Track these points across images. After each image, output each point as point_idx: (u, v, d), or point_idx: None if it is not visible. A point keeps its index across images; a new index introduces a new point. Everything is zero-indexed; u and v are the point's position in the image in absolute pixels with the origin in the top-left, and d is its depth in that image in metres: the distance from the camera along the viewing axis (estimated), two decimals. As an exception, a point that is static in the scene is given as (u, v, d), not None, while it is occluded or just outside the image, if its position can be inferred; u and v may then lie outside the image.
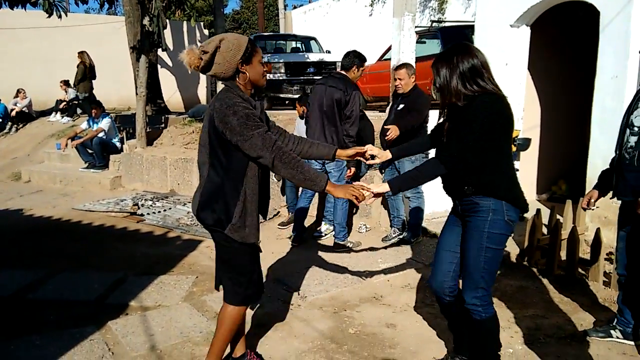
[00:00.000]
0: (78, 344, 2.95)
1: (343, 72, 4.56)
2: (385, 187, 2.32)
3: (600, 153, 4.50)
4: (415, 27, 5.91)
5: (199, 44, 17.25)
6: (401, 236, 4.76)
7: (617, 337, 2.90)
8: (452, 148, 2.23)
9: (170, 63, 14.97)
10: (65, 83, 11.38)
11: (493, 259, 2.28)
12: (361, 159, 2.66)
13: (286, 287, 3.78)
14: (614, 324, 2.96)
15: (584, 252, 4.03)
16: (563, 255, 3.97)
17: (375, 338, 3.02)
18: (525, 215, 5.04)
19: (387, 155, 2.65)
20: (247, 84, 2.33)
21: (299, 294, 3.66)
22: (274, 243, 4.94)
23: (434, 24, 9.55)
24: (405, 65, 4.64)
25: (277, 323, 3.23)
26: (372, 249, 4.65)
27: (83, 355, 2.84)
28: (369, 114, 6.03)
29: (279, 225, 5.39)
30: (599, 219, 4.48)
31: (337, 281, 3.87)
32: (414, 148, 2.82)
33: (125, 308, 3.48)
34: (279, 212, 5.89)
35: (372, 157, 2.64)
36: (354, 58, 4.52)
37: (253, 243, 2.38)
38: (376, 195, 2.36)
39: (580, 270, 3.85)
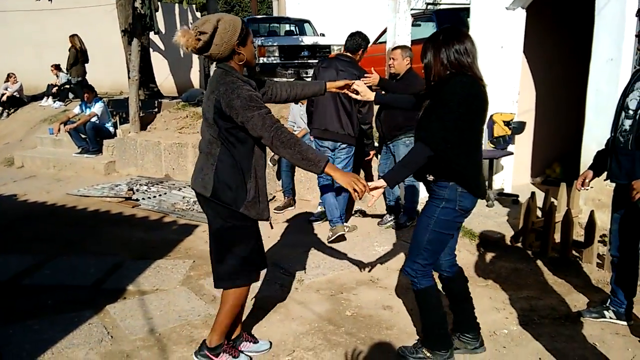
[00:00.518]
0: (76, 328, 2.96)
1: (349, 54, 4.45)
2: (381, 183, 2.35)
3: (595, 136, 4.51)
4: (411, 9, 5.87)
5: (191, 27, 17.01)
6: (397, 220, 4.79)
7: (610, 318, 2.95)
8: (434, 128, 2.26)
9: (162, 46, 14.79)
10: (57, 67, 11.22)
11: (436, 241, 2.41)
12: (347, 92, 2.78)
13: (283, 271, 3.81)
14: (607, 304, 3.00)
15: (578, 234, 4.07)
16: (557, 237, 4.01)
17: (372, 320, 3.05)
18: (520, 198, 5.11)
19: (371, 95, 2.78)
20: (242, 65, 2.36)
21: (296, 278, 3.68)
22: (268, 226, 4.93)
23: (429, 7, 9.49)
24: (401, 47, 4.59)
25: (275, 306, 3.26)
26: (368, 232, 4.68)
27: (82, 338, 2.85)
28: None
29: (274, 209, 5.40)
30: (592, 201, 4.51)
31: (334, 264, 3.90)
32: (399, 101, 2.87)
33: (123, 292, 3.49)
34: (274, 196, 5.89)
35: (356, 92, 2.76)
36: (361, 40, 4.39)
37: (267, 219, 2.46)
38: (374, 191, 2.36)
39: (574, 252, 3.89)
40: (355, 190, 2.22)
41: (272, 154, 5.71)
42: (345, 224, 4.65)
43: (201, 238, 4.65)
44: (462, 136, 2.26)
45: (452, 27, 2.41)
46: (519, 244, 4.19)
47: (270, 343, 2.79)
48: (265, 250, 4.18)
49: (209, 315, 3.13)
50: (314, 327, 2.97)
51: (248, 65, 2.40)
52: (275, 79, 10.02)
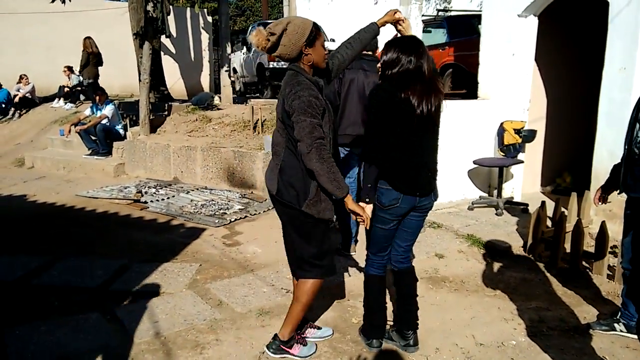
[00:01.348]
0: (82, 329, 2.96)
1: (370, 53, 4.20)
2: (369, 207, 2.52)
3: (607, 146, 4.47)
4: (422, 15, 5.85)
5: (202, 31, 17.06)
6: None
7: (621, 331, 2.90)
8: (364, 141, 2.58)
9: (173, 50, 14.89)
10: (69, 69, 11.33)
11: (374, 234, 2.67)
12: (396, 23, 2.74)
13: (289, 277, 3.78)
14: (617, 317, 2.96)
15: (588, 245, 4.02)
16: (567, 248, 3.96)
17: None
18: (530, 207, 5.06)
19: (410, 31, 2.76)
20: (310, 66, 2.46)
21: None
22: (277, 232, 4.91)
23: (440, 13, 9.47)
24: None
25: (281, 312, 3.24)
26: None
27: (87, 341, 2.85)
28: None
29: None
30: (603, 212, 4.46)
31: (340, 271, 3.87)
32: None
33: (129, 295, 3.49)
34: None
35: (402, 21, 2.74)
36: (376, 40, 4.29)
37: (329, 219, 2.52)
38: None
39: (584, 263, 3.84)
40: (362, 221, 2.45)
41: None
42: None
43: (208, 242, 4.65)
44: (380, 140, 2.46)
45: (412, 40, 2.54)
46: (529, 254, 4.15)
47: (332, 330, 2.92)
48: (272, 256, 4.22)
49: (215, 320, 3.12)
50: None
51: (317, 67, 2.48)
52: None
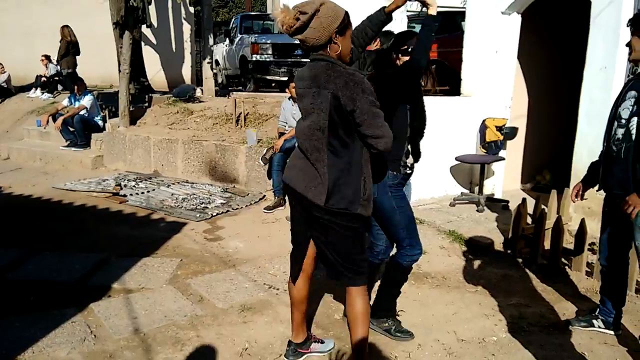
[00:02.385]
0: (59, 326, 2.90)
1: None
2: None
3: (587, 144, 4.53)
4: (406, 11, 5.84)
5: (184, 22, 16.76)
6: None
7: (599, 327, 2.94)
8: None
9: (154, 41, 14.63)
10: (47, 58, 11.06)
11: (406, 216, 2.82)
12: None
13: (272, 272, 3.76)
14: (596, 313, 3.00)
15: (568, 242, 4.07)
16: (547, 244, 4.01)
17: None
18: (510, 204, 5.11)
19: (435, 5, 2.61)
20: (337, 57, 2.18)
21: (284, 279, 3.64)
22: (259, 227, 4.91)
23: (424, 9, 9.47)
24: None
25: (263, 307, 3.22)
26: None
27: (64, 337, 2.79)
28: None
29: (264, 209, 5.35)
30: (582, 209, 4.52)
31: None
32: None
33: (108, 290, 3.43)
34: (264, 195, 5.84)
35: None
36: None
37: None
38: None
39: (563, 260, 3.89)
40: None
41: (263, 152, 5.66)
42: None
43: (189, 236, 4.59)
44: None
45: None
46: (509, 251, 4.18)
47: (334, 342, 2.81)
48: (254, 251, 4.18)
49: (196, 316, 3.08)
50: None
51: (342, 60, 2.21)
52: (268, 77, 9.95)
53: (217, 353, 2.71)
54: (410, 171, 2.76)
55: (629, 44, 2.73)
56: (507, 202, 5.31)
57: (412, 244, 2.77)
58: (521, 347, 2.79)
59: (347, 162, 2.19)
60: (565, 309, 3.23)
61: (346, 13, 2.18)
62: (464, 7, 5.93)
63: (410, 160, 2.74)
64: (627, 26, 2.74)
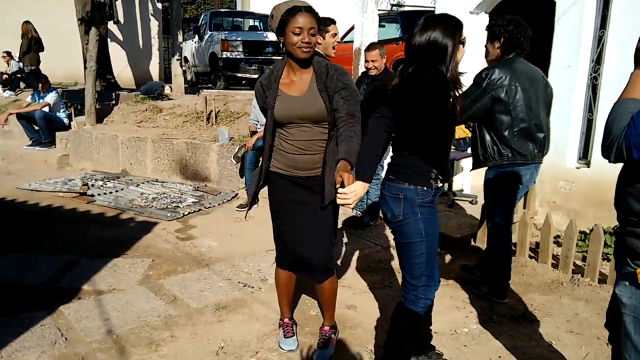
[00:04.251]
0: (28, 329, 2.83)
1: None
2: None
3: (552, 140, 4.66)
4: (377, 10, 5.90)
5: (151, 18, 16.43)
6: (360, 218, 4.80)
7: (485, 292, 3.33)
8: None
9: (120, 37, 14.32)
10: (8, 55, 10.70)
11: None
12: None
13: (246, 270, 3.75)
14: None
15: (534, 235, 4.19)
16: (514, 238, 4.12)
17: (336, 319, 3.04)
18: (478, 199, 5.22)
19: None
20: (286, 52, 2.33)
21: (259, 277, 3.64)
22: (232, 225, 4.88)
23: (394, 8, 9.59)
24: (377, 47, 4.54)
25: (238, 306, 3.21)
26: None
27: (34, 341, 2.72)
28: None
29: (237, 207, 5.32)
30: (548, 203, 4.67)
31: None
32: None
33: (78, 292, 3.36)
34: (237, 194, 5.81)
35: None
36: None
37: None
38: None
39: (530, 252, 4.01)
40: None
41: (235, 150, 5.62)
42: None
43: (160, 236, 4.53)
44: None
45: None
46: (479, 245, 4.28)
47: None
48: (227, 249, 4.16)
49: (169, 316, 3.05)
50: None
51: (291, 57, 2.32)
52: (239, 75, 9.88)
53: (192, 353, 2.69)
54: (441, 185, 2.25)
55: (485, 47, 3.26)
56: (476, 197, 5.42)
57: (429, 283, 2.23)
58: (492, 337, 2.87)
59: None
60: (533, 300, 3.33)
61: (288, 11, 2.21)
62: (434, 7, 6.02)
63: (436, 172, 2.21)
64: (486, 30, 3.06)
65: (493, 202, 3.29)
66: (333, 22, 3.30)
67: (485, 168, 3.29)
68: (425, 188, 2.15)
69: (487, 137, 3.14)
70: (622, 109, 1.45)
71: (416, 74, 2.08)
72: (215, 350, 2.71)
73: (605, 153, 1.49)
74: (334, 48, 3.10)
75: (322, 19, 3.68)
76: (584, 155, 4.51)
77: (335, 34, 3.56)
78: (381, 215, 2.50)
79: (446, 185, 5.55)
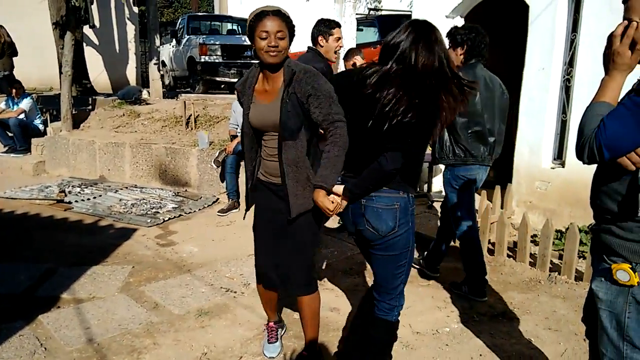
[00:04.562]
0: (6, 340, 2.78)
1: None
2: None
3: (527, 142, 4.77)
4: (355, 14, 5.95)
5: (127, 22, 16.21)
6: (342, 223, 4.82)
7: (465, 292, 3.42)
8: None
9: (96, 41, 14.13)
10: (-21, 60, 10.44)
11: None
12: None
13: (228, 275, 3.74)
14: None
15: (511, 234, 4.28)
16: (492, 237, 4.20)
17: (320, 323, 3.05)
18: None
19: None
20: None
21: (242, 282, 3.63)
22: (213, 230, 4.86)
23: (371, 12, 9.67)
24: (357, 52, 4.56)
25: (220, 312, 3.20)
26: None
27: (12, 352, 2.67)
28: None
29: (218, 212, 5.30)
30: (524, 203, 4.76)
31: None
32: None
33: (57, 301, 3.30)
34: (218, 198, 5.78)
35: None
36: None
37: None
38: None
39: (508, 252, 4.08)
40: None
41: (216, 155, 5.60)
42: None
43: (140, 242, 4.49)
44: None
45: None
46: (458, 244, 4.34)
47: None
48: (209, 255, 4.14)
49: (151, 323, 3.03)
50: (261, 332, 2.93)
51: (260, 62, 2.29)
52: (217, 79, 9.83)
53: (175, 359, 2.68)
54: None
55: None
56: (455, 198, 5.49)
57: (402, 290, 2.25)
58: (473, 336, 2.92)
59: None
60: (512, 298, 3.39)
61: (255, 15, 2.21)
62: (410, 11, 6.10)
63: None
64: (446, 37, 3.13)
65: (455, 204, 3.41)
66: (338, 25, 3.23)
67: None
68: (413, 195, 2.13)
69: (445, 137, 3.27)
70: (593, 112, 1.51)
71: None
72: (198, 357, 2.69)
73: (579, 154, 1.54)
74: (336, 52, 3.04)
75: (327, 22, 3.65)
76: (559, 156, 4.62)
77: (339, 38, 3.51)
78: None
79: (425, 187, 5.62)
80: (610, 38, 1.50)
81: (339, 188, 2.12)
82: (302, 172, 2.27)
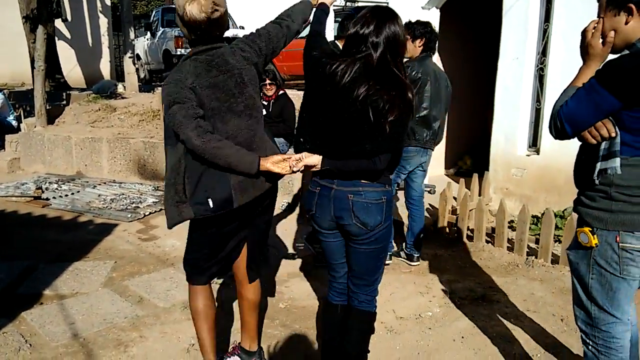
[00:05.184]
0: (-12, 338, 2.74)
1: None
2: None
3: (503, 130, 4.88)
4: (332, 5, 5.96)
5: (100, 15, 15.84)
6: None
7: (403, 258, 3.82)
8: None
9: (68, 35, 13.82)
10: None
11: None
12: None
13: (212, 267, 3.75)
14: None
15: (489, 220, 4.38)
16: (471, 224, 4.30)
17: (305, 311, 3.11)
18: (436, 188, 5.40)
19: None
20: None
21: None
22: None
23: (349, 3, 9.68)
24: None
25: (206, 303, 3.21)
26: (295, 225, 4.73)
27: (-4, 350, 2.65)
28: (289, 92, 6.02)
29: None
30: (501, 190, 4.88)
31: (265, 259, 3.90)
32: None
33: (39, 297, 3.27)
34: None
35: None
36: None
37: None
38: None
39: (486, 237, 4.19)
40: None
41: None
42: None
43: (121, 237, 4.46)
44: None
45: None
46: (439, 231, 4.44)
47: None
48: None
49: (137, 317, 3.03)
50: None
51: None
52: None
53: (163, 352, 2.69)
54: None
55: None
56: (434, 186, 5.59)
57: (380, 279, 2.25)
58: (454, 319, 3.00)
59: None
60: (492, 282, 3.49)
61: None
62: (387, 2, 6.13)
63: None
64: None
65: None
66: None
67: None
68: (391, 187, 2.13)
69: None
70: (565, 94, 1.70)
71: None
72: (186, 348, 2.71)
73: (550, 129, 1.73)
74: None
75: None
76: (534, 143, 4.74)
77: None
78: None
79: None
80: (584, 33, 1.68)
81: (315, 158, 2.01)
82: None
